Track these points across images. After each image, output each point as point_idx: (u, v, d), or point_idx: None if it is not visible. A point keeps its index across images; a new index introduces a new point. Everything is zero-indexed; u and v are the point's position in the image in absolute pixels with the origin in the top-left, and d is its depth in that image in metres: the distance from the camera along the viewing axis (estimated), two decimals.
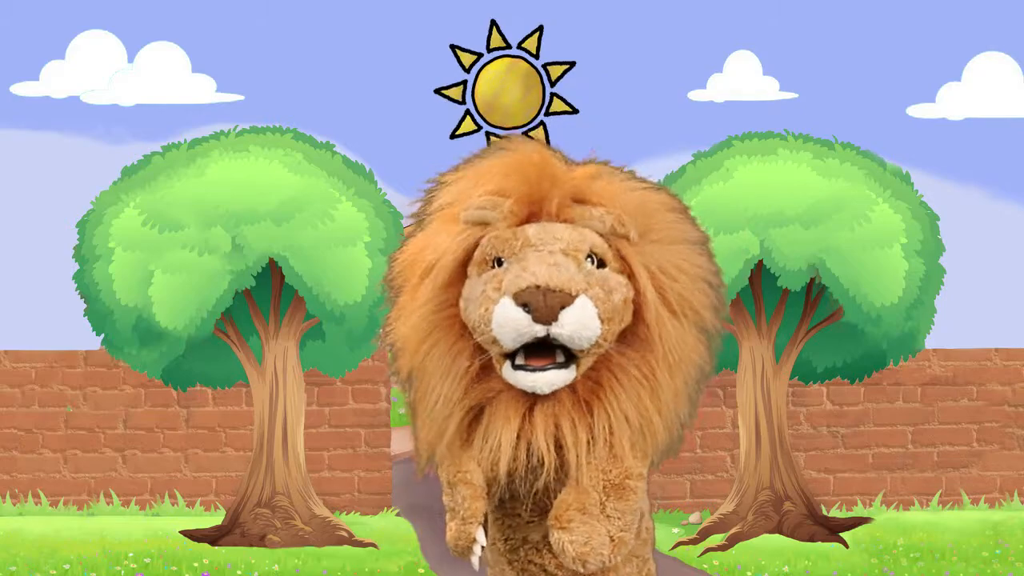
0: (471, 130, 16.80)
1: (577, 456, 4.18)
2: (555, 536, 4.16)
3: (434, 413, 4.27)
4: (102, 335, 15.10)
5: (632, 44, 31.93)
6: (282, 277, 14.97)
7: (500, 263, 4.24)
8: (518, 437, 4.21)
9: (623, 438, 4.21)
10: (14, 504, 17.70)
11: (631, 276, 4.25)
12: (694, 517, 17.64)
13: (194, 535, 15.19)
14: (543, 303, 4.07)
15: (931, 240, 15.30)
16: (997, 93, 27.45)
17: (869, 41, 31.35)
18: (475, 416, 4.28)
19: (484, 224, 4.30)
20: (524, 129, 16.41)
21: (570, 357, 4.17)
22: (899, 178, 15.53)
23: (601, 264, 4.25)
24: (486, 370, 4.27)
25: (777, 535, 15.37)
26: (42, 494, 17.79)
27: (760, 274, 15.22)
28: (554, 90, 16.86)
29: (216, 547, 14.93)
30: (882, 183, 15.28)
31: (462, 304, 4.27)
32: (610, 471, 4.22)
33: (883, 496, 18.22)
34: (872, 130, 31.19)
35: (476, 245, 4.31)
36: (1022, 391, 18.49)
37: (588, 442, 4.19)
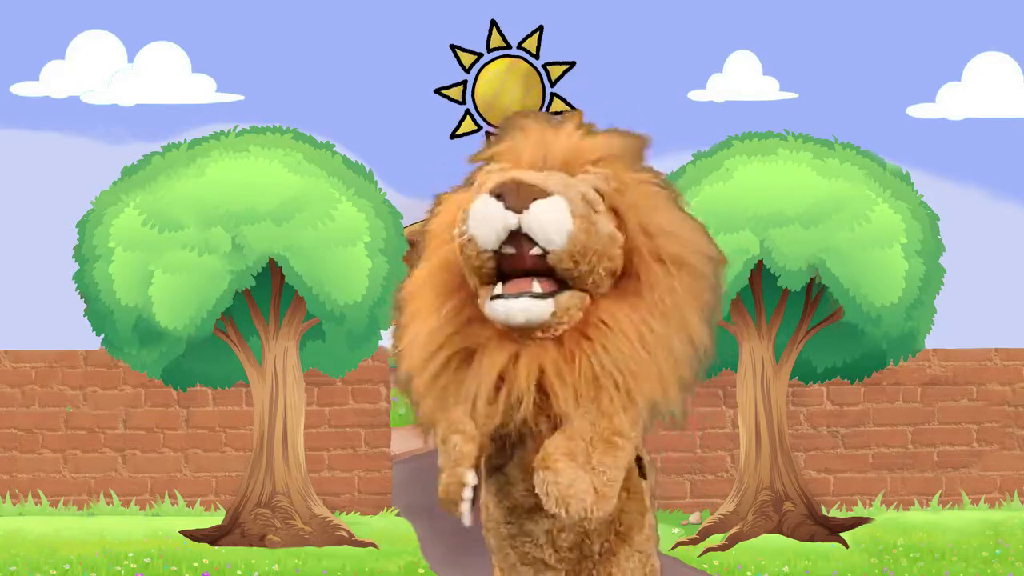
0: (471, 130, 16.83)
1: (564, 403, 4.19)
2: (539, 476, 4.15)
3: (428, 346, 4.30)
4: (102, 335, 15.10)
5: (632, 44, 31.93)
6: (282, 277, 14.98)
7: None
8: (502, 379, 4.20)
9: (611, 393, 4.20)
10: (14, 504, 17.70)
11: (621, 228, 4.27)
12: (694, 517, 17.64)
13: (194, 535, 15.19)
14: (516, 193, 4.12)
15: (931, 240, 15.30)
16: (997, 93, 27.46)
17: (869, 41, 31.37)
18: (464, 364, 4.28)
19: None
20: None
21: (550, 292, 4.18)
22: (899, 178, 15.53)
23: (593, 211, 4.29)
24: (477, 319, 4.29)
25: (777, 535, 15.37)
26: (42, 494, 17.80)
27: (760, 274, 15.22)
28: (554, 90, 16.90)
29: (216, 547, 14.93)
30: (882, 183, 15.29)
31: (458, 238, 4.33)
32: (599, 424, 4.21)
33: (883, 496, 18.22)
34: (872, 130, 31.22)
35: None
36: (1022, 391, 18.49)
37: (573, 390, 4.19)
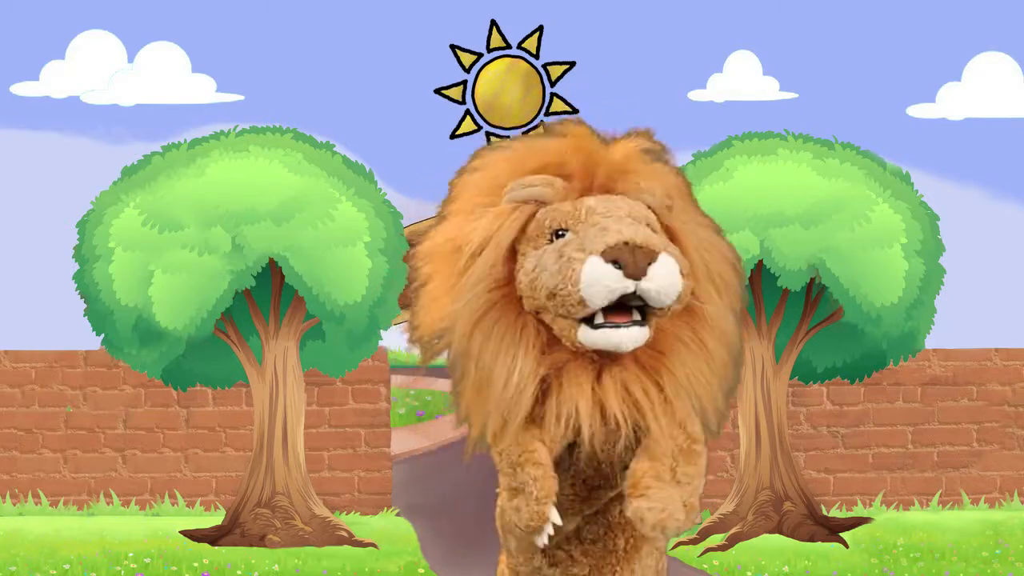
0: (471, 130, 16.83)
1: (656, 418, 4.22)
2: (633, 505, 4.17)
3: (507, 389, 4.25)
4: (102, 335, 15.10)
5: (632, 44, 31.95)
6: (282, 277, 14.98)
7: (560, 235, 4.27)
8: (592, 402, 4.23)
9: (686, 403, 4.26)
10: (14, 504, 17.70)
11: (683, 251, 4.31)
12: None
13: (194, 535, 15.20)
14: (632, 259, 4.12)
15: (931, 240, 15.31)
16: (997, 93, 27.47)
17: (869, 41, 31.38)
18: (543, 392, 4.29)
19: (536, 202, 4.33)
20: (524, 129, 16.42)
21: (644, 316, 4.23)
22: (899, 178, 15.54)
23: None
24: (551, 344, 4.28)
25: (777, 535, 15.37)
26: (42, 494, 17.80)
27: (760, 274, 15.22)
28: (554, 90, 16.90)
29: (216, 547, 14.94)
30: (882, 183, 15.29)
31: (525, 277, 4.26)
32: (678, 437, 4.26)
33: (883, 496, 18.22)
34: (872, 130, 31.24)
35: (527, 221, 4.33)
36: (1022, 391, 18.49)
37: (662, 405, 4.23)
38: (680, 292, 4.20)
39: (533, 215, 4.32)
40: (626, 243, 4.13)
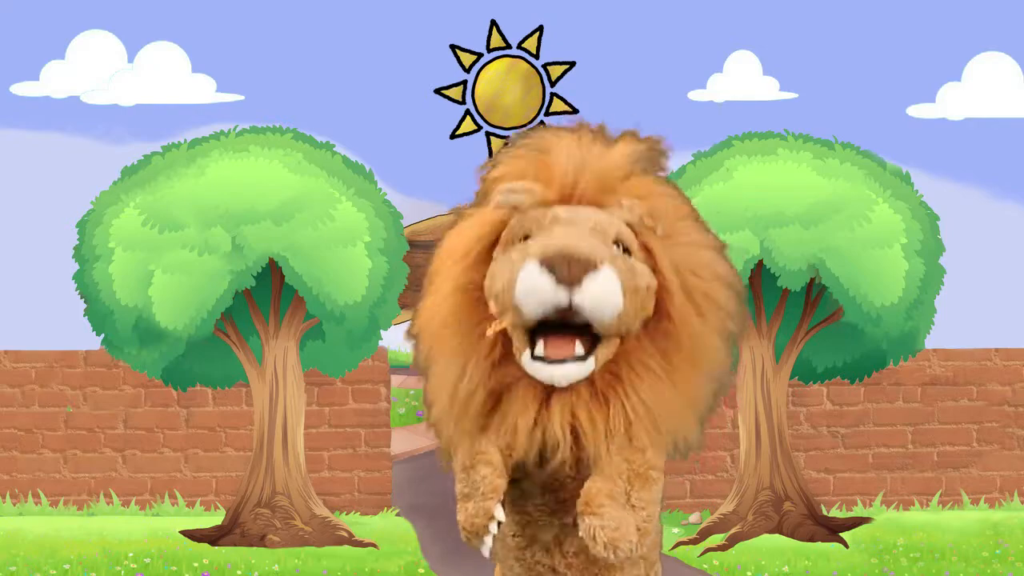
0: (471, 130, 16.84)
1: (596, 446, 4.17)
2: (585, 523, 4.11)
3: (458, 391, 4.22)
4: (102, 335, 15.10)
5: (632, 44, 31.95)
6: (282, 277, 14.98)
7: (527, 240, 4.21)
8: (535, 423, 4.18)
9: (641, 430, 4.20)
10: (14, 504, 17.70)
11: (655, 270, 4.24)
12: (694, 517, 17.64)
13: (194, 535, 15.20)
14: (567, 267, 4.00)
15: (931, 240, 15.31)
16: (997, 93, 27.48)
17: (869, 41, 31.39)
18: (494, 402, 4.26)
19: (514, 208, 4.27)
20: (524, 129, 16.44)
21: (589, 349, 4.14)
22: (899, 178, 15.54)
23: (626, 252, 4.23)
24: (506, 357, 4.23)
25: (777, 535, 15.37)
26: (42, 494, 17.80)
27: (760, 274, 15.22)
28: (554, 90, 16.90)
29: (216, 547, 14.94)
30: (882, 183, 15.29)
31: (487, 282, 4.21)
32: (633, 461, 4.20)
33: (883, 496, 18.23)
34: (872, 130, 31.25)
35: (503, 227, 4.29)
36: (1022, 391, 18.49)
37: (605, 432, 4.17)
38: (619, 310, 4.05)
39: (506, 221, 4.26)
40: (563, 253, 4.01)
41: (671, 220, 4.30)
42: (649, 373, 4.19)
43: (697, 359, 4.23)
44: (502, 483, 4.19)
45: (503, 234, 4.26)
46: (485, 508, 4.16)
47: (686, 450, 4.35)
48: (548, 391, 4.17)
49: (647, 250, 4.24)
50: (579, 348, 4.11)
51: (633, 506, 4.18)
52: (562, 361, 4.09)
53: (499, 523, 4.17)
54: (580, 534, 4.12)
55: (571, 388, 4.16)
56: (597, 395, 4.18)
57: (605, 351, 4.16)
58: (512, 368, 4.21)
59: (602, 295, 4.02)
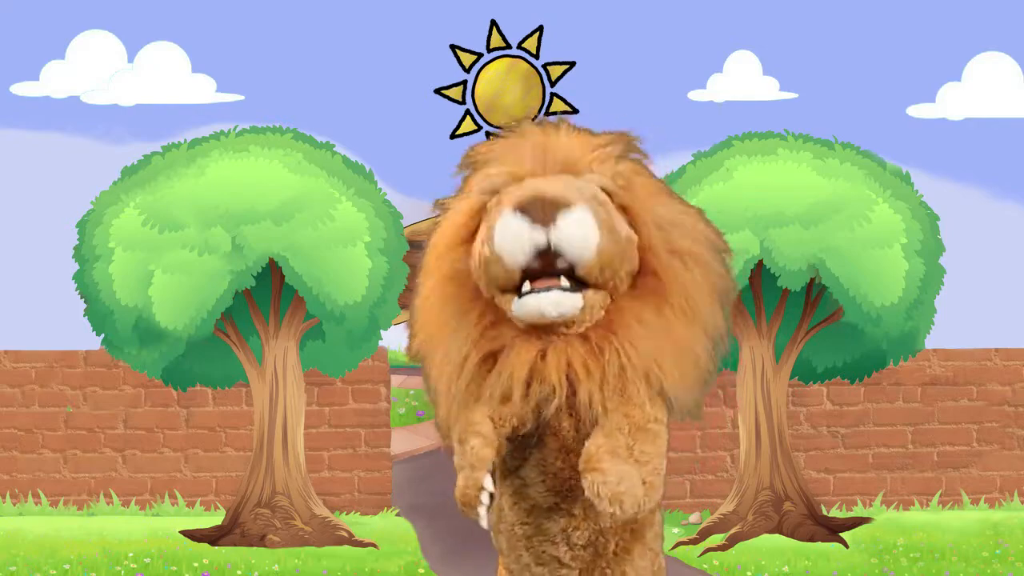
0: (471, 130, 16.82)
1: (590, 393, 4.17)
2: (588, 479, 4.10)
3: (450, 360, 4.27)
4: (102, 335, 15.10)
5: (632, 44, 31.94)
6: (282, 277, 14.98)
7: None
8: (531, 374, 4.20)
9: (638, 382, 4.20)
10: (14, 504, 17.70)
11: (636, 227, 4.27)
12: (694, 517, 17.64)
13: (194, 535, 15.20)
14: (540, 208, 4.09)
15: (931, 240, 15.31)
16: (997, 93, 27.48)
17: (869, 41, 31.38)
18: (488, 368, 4.27)
19: (494, 192, 4.36)
20: None
21: (577, 288, 4.18)
22: (899, 178, 15.54)
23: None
24: (498, 323, 4.28)
25: (777, 535, 15.37)
26: (42, 494, 17.80)
27: (760, 274, 15.22)
28: (554, 90, 16.89)
29: (216, 547, 14.93)
30: (882, 183, 15.29)
31: (472, 261, 4.29)
32: (632, 415, 4.20)
33: (883, 496, 18.22)
34: (872, 130, 31.25)
35: (482, 213, 4.36)
36: (1022, 391, 18.49)
37: (601, 381, 4.17)
38: (598, 244, 4.13)
39: (485, 207, 4.34)
40: (535, 195, 4.11)
41: (647, 189, 4.35)
42: (642, 326, 4.23)
43: (688, 313, 4.27)
44: (490, 453, 4.20)
45: (484, 216, 4.33)
46: (475, 479, 4.18)
47: (686, 410, 4.33)
48: (544, 347, 4.22)
49: (625, 210, 4.29)
50: (565, 281, 4.15)
51: (637, 460, 4.17)
52: (547, 289, 4.12)
53: (490, 494, 4.19)
54: (585, 493, 4.12)
55: (566, 340, 4.20)
56: (592, 347, 4.22)
57: (594, 296, 4.19)
58: (506, 329, 4.24)
59: (578, 229, 4.10)
